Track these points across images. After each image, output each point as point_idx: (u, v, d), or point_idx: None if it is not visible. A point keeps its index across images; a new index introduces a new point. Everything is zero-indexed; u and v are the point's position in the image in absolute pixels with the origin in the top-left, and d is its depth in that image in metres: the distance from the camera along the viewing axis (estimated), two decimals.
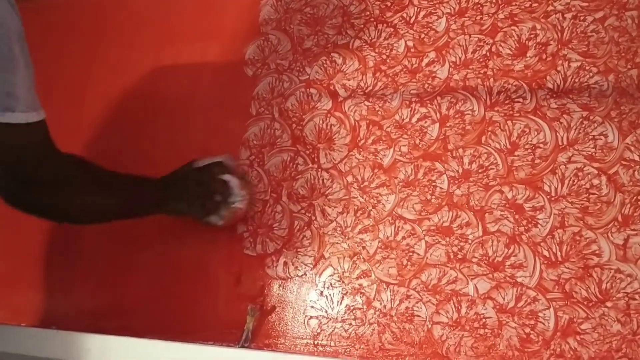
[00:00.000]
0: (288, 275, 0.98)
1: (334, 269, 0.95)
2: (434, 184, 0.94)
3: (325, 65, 1.07)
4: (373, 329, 0.90)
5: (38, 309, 1.13)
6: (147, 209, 0.96)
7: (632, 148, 0.85)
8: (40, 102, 0.78)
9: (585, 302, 0.81)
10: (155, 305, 1.03)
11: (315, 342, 0.92)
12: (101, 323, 1.04)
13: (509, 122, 0.92)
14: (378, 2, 1.07)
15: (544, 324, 0.82)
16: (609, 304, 0.81)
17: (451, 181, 0.93)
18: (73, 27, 1.34)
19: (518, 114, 0.92)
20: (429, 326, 0.87)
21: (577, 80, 0.91)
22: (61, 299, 1.12)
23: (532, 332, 0.82)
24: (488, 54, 0.97)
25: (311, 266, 0.97)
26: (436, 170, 0.94)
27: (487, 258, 0.88)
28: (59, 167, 0.82)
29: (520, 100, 0.93)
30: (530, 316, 0.83)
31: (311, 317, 0.94)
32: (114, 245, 1.11)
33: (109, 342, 0.86)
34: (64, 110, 1.25)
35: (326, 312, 0.93)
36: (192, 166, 1.01)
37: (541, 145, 0.90)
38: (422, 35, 1.02)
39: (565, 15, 0.95)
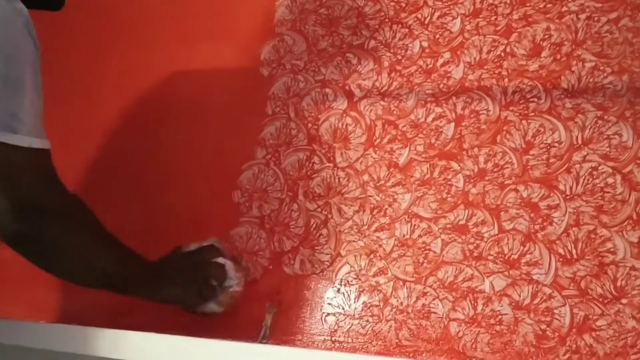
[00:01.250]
0: (305, 272, 0.99)
1: (351, 266, 0.97)
2: (449, 182, 0.95)
3: (340, 65, 1.08)
4: (390, 326, 0.91)
5: (57, 305, 1.14)
6: (135, 283, 0.88)
7: None
8: (46, 134, 0.76)
9: (600, 299, 0.83)
10: None
11: (333, 338, 0.94)
12: (120, 319, 1.06)
13: (524, 122, 0.94)
14: (393, 3, 1.08)
15: (559, 320, 0.83)
16: (624, 300, 0.82)
17: (467, 180, 0.94)
18: (88, 27, 1.35)
19: (533, 114, 0.94)
20: (446, 323, 0.89)
21: (591, 80, 0.92)
22: (80, 295, 1.13)
23: (548, 328, 0.84)
24: (503, 54, 0.98)
25: (328, 264, 0.98)
26: (452, 169, 0.96)
27: (502, 256, 0.89)
28: (62, 200, 0.78)
29: (535, 100, 0.94)
30: (546, 313, 0.84)
31: (328, 314, 0.95)
32: (133, 243, 1.12)
33: (130, 337, 0.87)
34: (79, 111, 1.27)
35: (343, 309, 0.95)
36: (179, 251, 0.98)
37: (556, 144, 0.91)
38: (437, 36, 1.03)
39: (579, 16, 0.96)
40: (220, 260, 0.95)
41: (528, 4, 0.99)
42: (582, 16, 0.95)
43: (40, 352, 0.98)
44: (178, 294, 0.92)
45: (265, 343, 0.94)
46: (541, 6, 0.98)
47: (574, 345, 0.82)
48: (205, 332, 0.97)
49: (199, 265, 0.94)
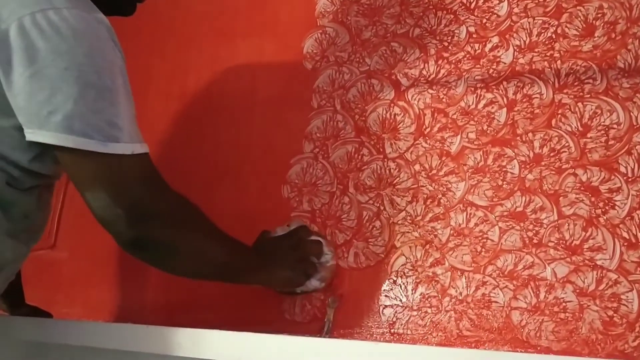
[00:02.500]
0: (360, 265, 0.99)
1: (406, 257, 0.96)
2: (504, 169, 0.93)
3: (385, 55, 1.07)
4: (450, 316, 0.90)
5: (113, 305, 1.16)
6: (249, 271, 0.92)
7: None
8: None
9: None
10: (230, 298, 1.05)
11: (392, 330, 0.93)
12: (177, 317, 1.07)
13: (580, 104, 0.91)
14: None
15: (627, 306, 0.81)
16: None
17: (522, 166, 0.92)
18: (131, 29, 1.36)
19: (589, 96, 0.91)
20: (508, 312, 0.87)
21: None
22: (135, 295, 1.15)
23: (615, 314, 0.82)
24: (554, 35, 0.96)
25: (382, 256, 0.98)
26: (506, 156, 0.94)
27: (564, 242, 0.87)
28: (172, 203, 0.80)
29: (590, 81, 0.92)
30: (612, 299, 0.82)
31: (386, 306, 0.95)
32: None
33: (197, 335, 0.88)
34: None
35: (401, 300, 0.94)
36: (271, 235, 1.00)
37: (615, 126, 0.89)
38: (484, 20, 1.01)
39: None
40: (314, 237, 0.98)
41: None
42: None
43: (99, 352, 1.00)
44: (288, 275, 0.94)
45: (329, 337, 0.94)
46: None
47: None
48: (262, 325, 0.98)
49: (299, 245, 0.97)
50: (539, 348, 0.84)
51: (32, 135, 0.74)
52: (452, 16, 1.04)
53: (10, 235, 0.82)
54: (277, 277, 0.94)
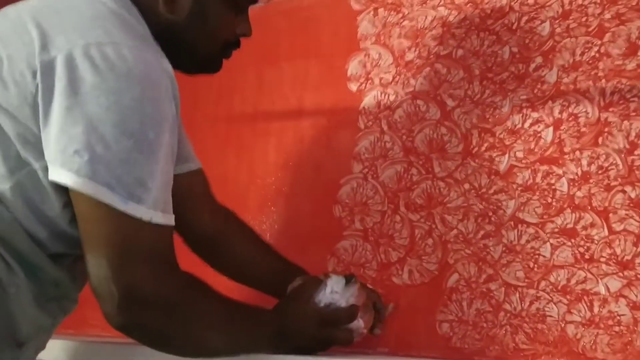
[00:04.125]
0: (414, 282, 1.03)
1: (460, 274, 1.00)
2: (553, 187, 0.97)
3: (429, 76, 1.11)
4: (505, 330, 0.94)
5: None
6: (259, 347, 0.82)
7: None
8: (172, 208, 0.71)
9: None
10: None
11: (449, 345, 0.97)
12: None
13: (626, 122, 0.94)
14: (477, 11, 1.10)
15: None
16: None
17: (571, 183, 0.96)
18: None
19: (634, 113, 0.94)
20: (562, 325, 0.91)
21: None
22: None
23: None
24: (597, 55, 0.99)
25: (436, 273, 1.01)
26: (554, 174, 0.97)
27: (615, 257, 0.90)
28: (174, 286, 0.71)
29: (636, 99, 0.94)
30: None
31: (442, 321, 0.99)
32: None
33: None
34: None
35: (457, 315, 0.98)
36: (309, 294, 0.88)
37: None
38: (527, 41, 1.04)
39: None
40: (354, 325, 0.87)
41: (620, 3, 0.99)
42: None
43: None
44: (295, 349, 0.85)
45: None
46: (634, 4, 0.98)
47: None
48: None
49: (329, 335, 0.87)
50: None
51: (54, 173, 0.67)
52: (494, 37, 1.07)
53: (38, 304, 0.74)
54: (284, 347, 0.84)
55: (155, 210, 0.68)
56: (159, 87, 0.70)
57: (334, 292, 0.88)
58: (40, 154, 0.69)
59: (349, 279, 0.90)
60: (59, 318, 0.81)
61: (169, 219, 0.71)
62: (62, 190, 0.69)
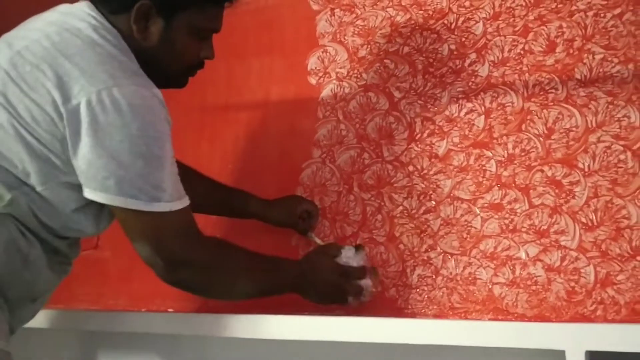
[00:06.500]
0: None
1: (404, 245, 1.14)
2: (484, 168, 1.11)
3: (379, 71, 1.24)
4: (443, 292, 1.09)
5: (154, 295, 1.34)
6: (283, 290, 1.04)
7: None
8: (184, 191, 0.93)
9: (619, 258, 0.99)
10: None
11: (395, 305, 1.12)
12: (211, 303, 1.25)
13: (545, 111, 1.09)
14: (421, 12, 1.23)
15: (585, 278, 1.00)
16: (639, 257, 0.98)
17: (499, 164, 1.10)
18: None
19: (552, 103, 1.09)
20: (490, 287, 1.06)
21: (601, 70, 1.07)
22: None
23: (576, 285, 1.00)
24: (522, 52, 1.13)
25: (384, 246, 1.16)
26: (485, 156, 1.12)
27: (534, 227, 1.05)
28: (203, 252, 0.95)
29: (553, 91, 1.09)
30: (573, 273, 1.01)
31: (389, 287, 1.13)
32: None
33: (263, 320, 1.07)
34: None
35: (401, 280, 1.13)
36: (331, 252, 1.08)
37: (574, 128, 1.06)
38: (463, 39, 1.18)
39: (587, 14, 1.10)
40: (363, 282, 1.05)
41: (542, 5, 1.13)
42: (590, 13, 1.09)
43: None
44: (311, 297, 1.05)
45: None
46: (553, 6, 1.12)
47: (599, 298, 0.99)
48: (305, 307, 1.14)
49: (343, 283, 1.05)
50: (516, 315, 1.03)
51: (90, 193, 0.89)
52: (435, 35, 1.21)
53: (50, 267, 0.96)
54: (303, 294, 1.05)
55: (172, 201, 0.91)
56: (154, 111, 0.90)
57: (348, 257, 1.08)
58: (63, 174, 0.90)
59: (357, 248, 1.10)
60: (62, 277, 1.02)
61: (185, 202, 0.93)
62: (73, 200, 0.92)
